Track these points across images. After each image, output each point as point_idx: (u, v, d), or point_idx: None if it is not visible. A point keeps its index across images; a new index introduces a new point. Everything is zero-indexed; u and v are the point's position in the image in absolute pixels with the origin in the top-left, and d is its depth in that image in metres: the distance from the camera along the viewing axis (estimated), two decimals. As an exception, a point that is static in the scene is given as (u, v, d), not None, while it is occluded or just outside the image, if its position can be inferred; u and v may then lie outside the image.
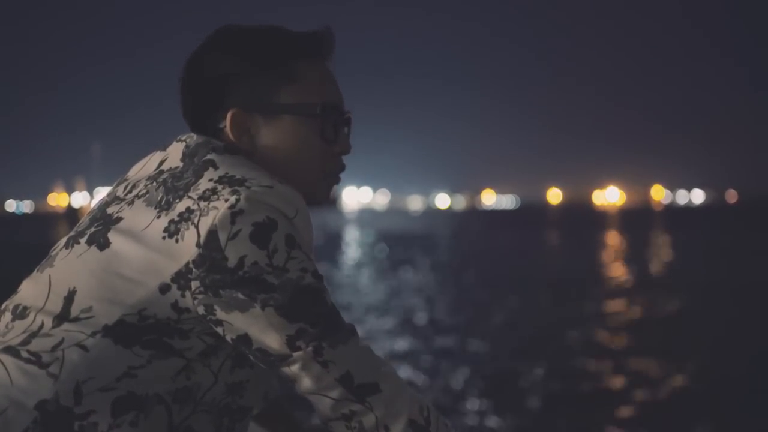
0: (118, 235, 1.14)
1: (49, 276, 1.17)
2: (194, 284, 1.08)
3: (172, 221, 1.11)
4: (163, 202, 1.14)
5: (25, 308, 1.15)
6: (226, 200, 1.09)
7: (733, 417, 7.41)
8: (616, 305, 15.20)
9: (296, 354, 1.10)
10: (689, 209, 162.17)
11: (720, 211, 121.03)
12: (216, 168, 1.16)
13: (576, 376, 9.07)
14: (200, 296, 1.08)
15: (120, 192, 1.23)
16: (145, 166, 1.27)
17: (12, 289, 1.23)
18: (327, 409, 1.12)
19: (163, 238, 1.10)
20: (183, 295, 1.08)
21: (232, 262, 1.06)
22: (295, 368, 1.10)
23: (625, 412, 7.62)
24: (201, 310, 1.09)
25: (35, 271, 1.22)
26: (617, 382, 8.82)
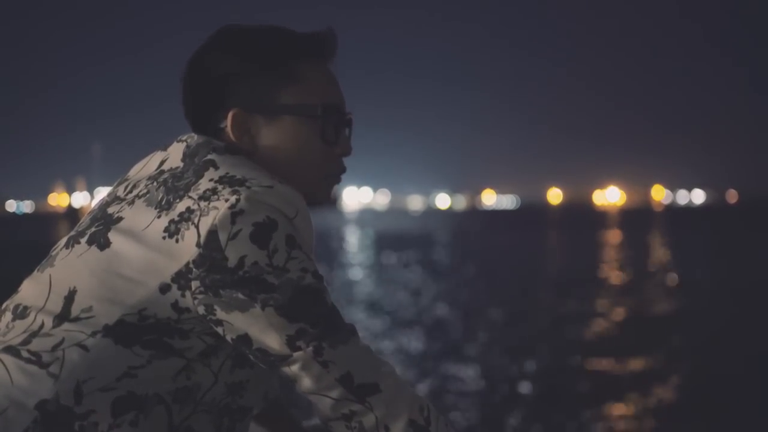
0: (119, 235, 1.14)
1: (50, 276, 1.17)
2: (194, 284, 1.08)
3: (172, 221, 1.11)
4: (163, 202, 1.14)
5: (25, 308, 1.15)
6: (227, 200, 1.09)
7: (733, 416, 7.41)
8: (615, 305, 15.19)
9: (296, 354, 1.10)
10: (690, 209, 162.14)
11: (720, 211, 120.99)
12: (216, 168, 1.16)
13: (575, 377, 9.07)
14: (200, 296, 1.08)
15: (120, 192, 1.23)
16: (145, 166, 1.27)
17: (12, 288, 1.23)
18: (327, 409, 1.12)
19: (164, 238, 1.10)
20: (183, 295, 1.08)
21: (232, 262, 1.06)
22: (295, 368, 1.11)
23: (623, 412, 7.61)
24: (201, 310, 1.09)
25: (36, 270, 1.22)
26: (616, 381, 8.82)
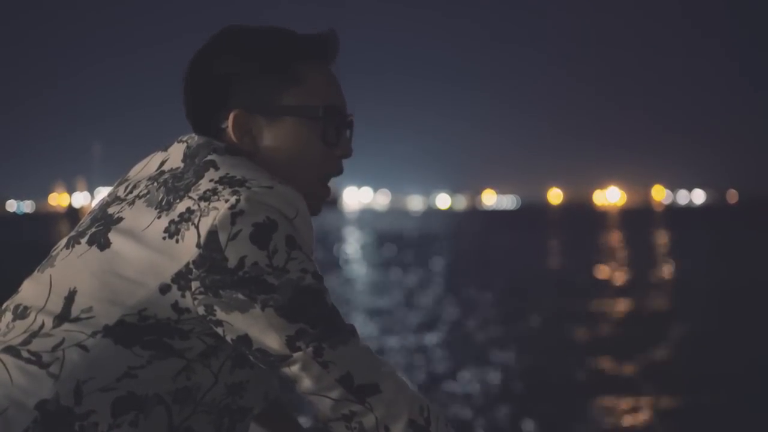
0: (119, 236, 1.14)
1: (50, 276, 1.17)
2: (194, 285, 1.08)
3: (172, 221, 1.11)
4: (163, 203, 1.14)
5: (25, 308, 1.15)
6: (227, 201, 1.09)
7: (733, 416, 7.41)
8: (615, 305, 15.19)
9: (296, 354, 1.10)
10: (690, 209, 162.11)
11: (721, 211, 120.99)
12: (217, 169, 1.16)
13: (574, 376, 9.07)
14: (200, 297, 1.08)
15: (121, 192, 1.24)
16: (146, 167, 1.27)
17: (13, 288, 1.23)
18: (327, 410, 1.12)
19: (164, 238, 1.10)
20: (183, 296, 1.09)
21: (232, 262, 1.07)
22: (295, 369, 1.11)
23: (622, 411, 7.62)
24: (201, 310, 1.09)
25: (36, 271, 1.22)
26: (614, 379, 8.82)
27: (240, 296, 1.07)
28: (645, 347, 10.80)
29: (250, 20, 1.30)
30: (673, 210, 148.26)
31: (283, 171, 1.22)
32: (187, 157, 1.21)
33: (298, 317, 1.09)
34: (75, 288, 1.13)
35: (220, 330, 1.11)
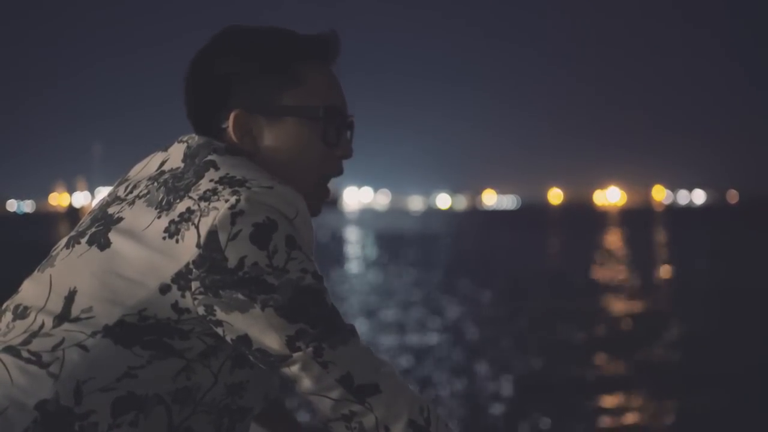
0: (119, 236, 1.14)
1: (50, 276, 1.17)
2: (194, 285, 1.08)
3: (172, 221, 1.11)
4: (163, 203, 1.14)
5: (25, 308, 1.15)
6: (227, 201, 1.09)
7: (732, 416, 7.41)
8: (614, 304, 15.20)
9: (296, 355, 1.10)
10: (690, 209, 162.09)
11: (721, 212, 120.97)
12: (217, 169, 1.16)
13: (573, 376, 9.07)
14: (200, 297, 1.08)
15: (121, 192, 1.24)
16: (146, 167, 1.27)
17: (13, 288, 1.23)
18: (327, 410, 1.12)
19: (164, 238, 1.10)
20: (183, 296, 1.08)
21: (232, 262, 1.07)
22: (295, 369, 1.11)
23: (620, 411, 7.62)
24: (201, 310, 1.09)
25: (36, 270, 1.22)
26: (613, 380, 8.82)
27: (240, 296, 1.07)
28: (644, 347, 10.80)
29: (250, 20, 1.30)
30: (673, 210, 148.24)
31: (283, 171, 1.22)
32: (188, 157, 1.21)
33: (298, 317, 1.09)
34: (75, 288, 1.13)
35: (220, 330, 1.11)
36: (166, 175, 1.20)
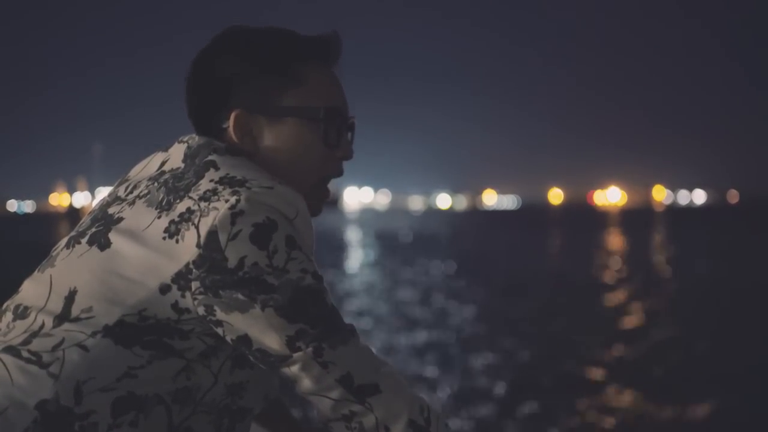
0: (119, 236, 1.14)
1: (50, 276, 1.17)
2: (194, 285, 1.08)
3: (172, 221, 1.11)
4: (164, 203, 1.14)
5: (26, 308, 1.15)
6: (227, 201, 1.09)
7: (731, 416, 7.42)
8: (614, 304, 15.20)
9: (296, 355, 1.10)
10: (691, 209, 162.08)
11: (721, 212, 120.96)
12: (217, 169, 1.16)
13: (573, 377, 9.07)
14: (200, 297, 1.08)
15: (121, 192, 1.24)
16: (146, 167, 1.27)
17: (13, 288, 1.23)
18: (327, 410, 1.13)
19: (164, 238, 1.10)
20: (183, 296, 1.08)
21: (232, 262, 1.06)
22: (295, 369, 1.11)
23: (619, 412, 7.62)
24: (201, 310, 1.09)
25: (36, 270, 1.22)
26: (613, 381, 8.83)
27: (240, 296, 1.07)
28: (643, 347, 10.81)
29: (251, 21, 1.30)
30: (673, 210, 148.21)
31: (283, 171, 1.22)
32: (188, 157, 1.21)
33: (298, 317, 1.09)
34: (75, 288, 1.13)
35: (220, 330, 1.11)
36: (167, 176, 1.20)
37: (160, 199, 1.16)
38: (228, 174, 1.14)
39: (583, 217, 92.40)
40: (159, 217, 1.13)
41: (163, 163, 1.24)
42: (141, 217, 1.15)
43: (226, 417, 1.17)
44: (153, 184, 1.20)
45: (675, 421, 7.38)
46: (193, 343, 1.11)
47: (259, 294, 1.07)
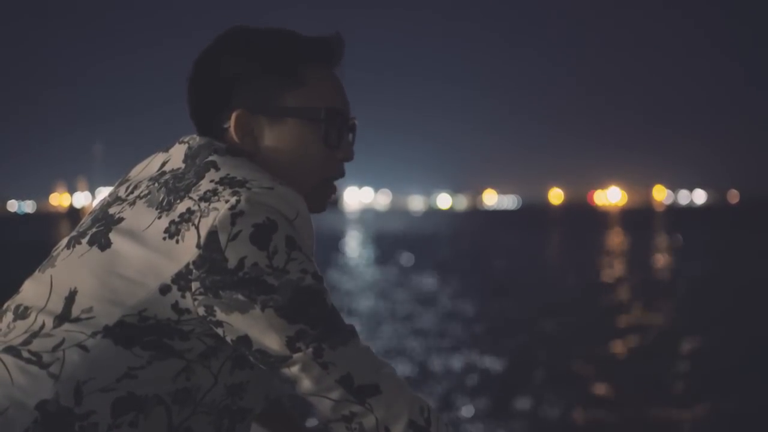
0: (120, 236, 1.14)
1: (51, 276, 1.17)
2: (194, 285, 1.08)
3: (172, 222, 1.11)
4: (164, 203, 1.14)
5: (26, 308, 1.15)
6: (227, 201, 1.09)
7: (732, 416, 7.42)
8: (613, 304, 15.20)
9: (296, 355, 1.10)
10: (691, 209, 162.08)
11: (722, 212, 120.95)
12: (217, 169, 1.16)
13: (573, 377, 9.08)
14: (200, 297, 1.08)
15: (122, 192, 1.24)
16: (147, 167, 1.27)
17: (14, 289, 1.23)
18: (327, 411, 1.13)
19: (164, 238, 1.10)
20: (183, 296, 1.08)
21: (232, 263, 1.07)
22: (295, 369, 1.11)
23: (619, 413, 7.63)
24: (201, 311, 1.09)
25: (37, 271, 1.22)
26: (612, 381, 8.83)
27: (240, 297, 1.07)
28: (643, 346, 10.81)
29: (252, 21, 1.30)
30: (674, 210, 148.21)
31: (284, 172, 1.22)
32: (188, 157, 1.21)
33: (298, 318, 1.09)
34: (75, 288, 1.13)
35: (220, 331, 1.11)
36: (167, 176, 1.20)
37: (160, 199, 1.16)
38: (228, 174, 1.14)
39: (584, 217, 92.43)
40: (159, 218, 1.13)
41: (163, 164, 1.24)
42: (141, 217, 1.15)
43: (226, 417, 1.16)
44: (153, 184, 1.20)
45: (674, 422, 7.38)
46: (193, 343, 1.11)
47: (259, 294, 1.07)
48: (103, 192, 1.36)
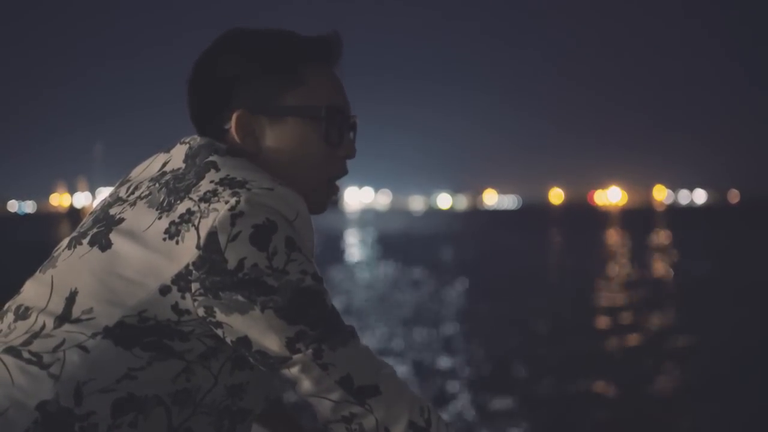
0: (120, 236, 1.14)
1: (52, 277, 1.17)
2: (194, 286, 1.08)
3: (172, 222, 1.11)
4: (164, 204, 1.15)
5: (27, 309, 1.15)
6: (227, 202, 1.09)
7: (731, 416, 7.41)
8: (615, 304, 15.20)
9: (296, 356, 1.10)
10: (691, 209, 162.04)
11: (722, 211, 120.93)
12: (217, 170, 1.16)
13: (573, 378, 9.07)
14: (200, 298, 1.08)
15: (123, 193, 1.24)
16: (148, 168, 1.27)
17: (15, 289, 1.23)
18: (327, 412, 1.13)
19: (164, 239, 1.10)
20: (183, 297, 1.08)
21: (231, 264, 1.06)
22: (294, 370, 1.11)
23: (618, 415, 7.62)
24: (201, 312, 1.09)
25: (38, 271, 1.22)
26: (611, 381, 8.83)
27: (240, 298, 1.07)
28: (642, 349, 10.80)
29: (252, 22, 1.31)
30: (674, 210, 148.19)
31: (286, 171, 1.23)
32: (189, 157, 1.21)
33: (298, 319, 1.09)
34: (76, 289, 1.13)
35: (220, 331, 1.11)
36: (168, 176, 1.20)
37: (161, 200, 1.16)
38: (228, 175, 1.14)
39: (584, 217, 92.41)
40: (159, 218, 1.13)
41: (164, 164, 1.24)
42: (142, 217, 1.15)
43: (226, 418, 1.16)
44: (154, 185, 1.20)
45: (674, 421, 7.38)
46: (193, 344, 1.11)
47: (258, 295, 1.07)
48: (104, 192, 1.37)
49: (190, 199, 1.12)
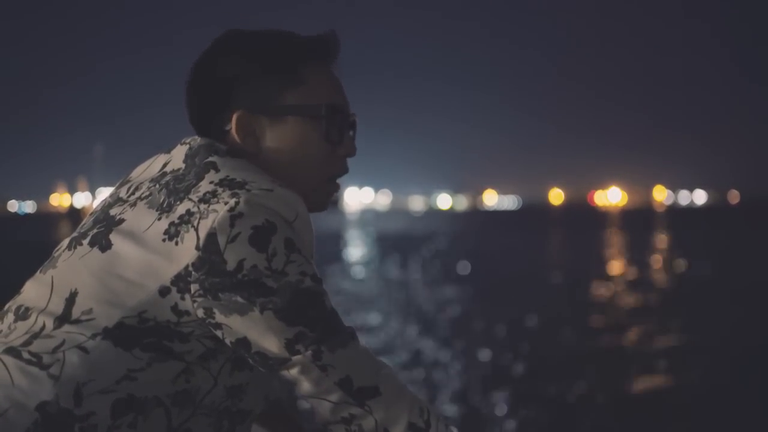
0: (120, 237, 1.14)
1: (52, 277, 1.17)
2: (194, 287, 1.08)
3: (172, 223, 1.11)
4: (164, 204, 1.15)
5: (27, 309, 1.15)
6: (226, 203, 1.09)
7: (731, 416, 7.41)
8: (614, 304, 15.20)
9: (295, 358, 1.10)
10: (691, 210, 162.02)
11: (722, 212, 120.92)
12: (217, 170, 1.16)
13: (572, 377, 9.07)
14: (199, 299, 1.08)
15: (123, 193, 1.24)
16: (148, 168, 1.27)
17: (15, 289, 1.23)
18: (327, 413, 1.13)
19: (164, 240, 1.10)
20: (183, 298, 1.08)
21: (231, 265, 1.06)
22: (294, 372, 1.11)
23: (618, 414, 7.62)
24: (200, 313, 1.09)
25: (38, 272, 1.22)
26: (612, 381, 8.83)
27: (239, 299, 1.07)
28: (643, 349, 10.80)
29: (250, 23, 1.32)
30: (674, 210, 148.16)
31: (286, 171, 1.23)
32: (189, 157, 1.21)
33: (297, 320, 1.09)
34: (76, 289, 1.13)
35: (219, 333, 1.11)
36: (168, 177, 1.20)
37: (160, 200, 1.16)
38: (228, 176, 1.14)
39: (584, 218, 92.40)
40: (159, 219, 1.13)
41: (165, 165, 1.24)
42: (142, 218, 1.15)
43: (225, 419, 1.16)
44: (154, 185, 1.20)
45: (674, 421, 7.38)
46: (192, 345, 1.11)
47: (258, 297, 1.07)
48: (104, 192, 1.28)
49: (190, 200, 1.12)
